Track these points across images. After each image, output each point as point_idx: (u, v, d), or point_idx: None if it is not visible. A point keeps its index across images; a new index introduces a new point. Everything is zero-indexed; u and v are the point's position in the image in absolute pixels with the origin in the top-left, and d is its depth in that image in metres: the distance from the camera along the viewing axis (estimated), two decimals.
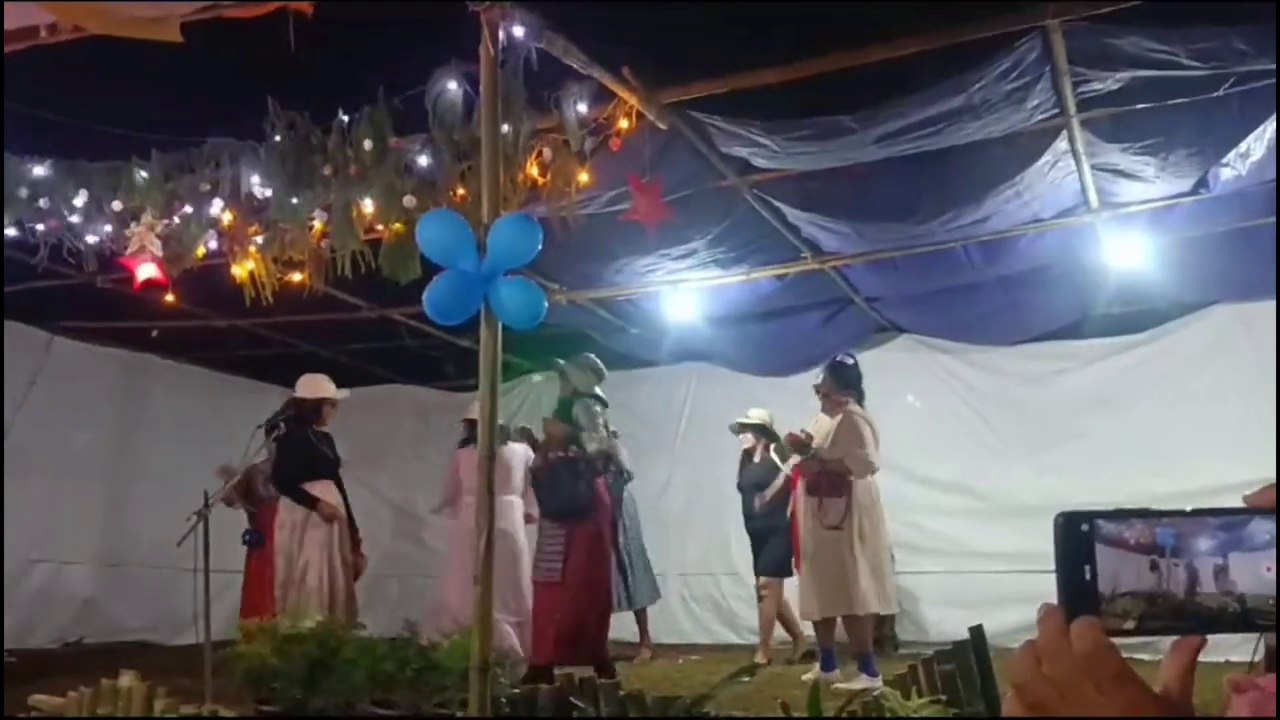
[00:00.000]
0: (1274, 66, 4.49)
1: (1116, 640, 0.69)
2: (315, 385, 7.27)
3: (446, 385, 10.19)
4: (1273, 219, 6.04)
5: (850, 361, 6.96)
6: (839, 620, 6.64)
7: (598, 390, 6.86)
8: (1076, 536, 0.72)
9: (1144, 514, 0.72)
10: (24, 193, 5.48)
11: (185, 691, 5.11)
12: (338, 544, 6.92)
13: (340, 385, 10.34)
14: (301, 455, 6.96)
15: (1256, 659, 0.80)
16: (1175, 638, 0.71)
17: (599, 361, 7.00)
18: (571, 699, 4.28)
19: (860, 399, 6.80)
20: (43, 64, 4.17)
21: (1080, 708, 0.66)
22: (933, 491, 8.55)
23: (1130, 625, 0.70)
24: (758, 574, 7.99)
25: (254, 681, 4.92)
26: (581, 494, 6.49)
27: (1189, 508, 0.73)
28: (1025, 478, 8.19)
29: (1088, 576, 0.71)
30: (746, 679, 6.36)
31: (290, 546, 6.82)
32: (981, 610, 6.73)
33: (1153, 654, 0.73)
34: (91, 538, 9.09)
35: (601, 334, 8.96)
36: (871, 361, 8.94)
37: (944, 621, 7.87)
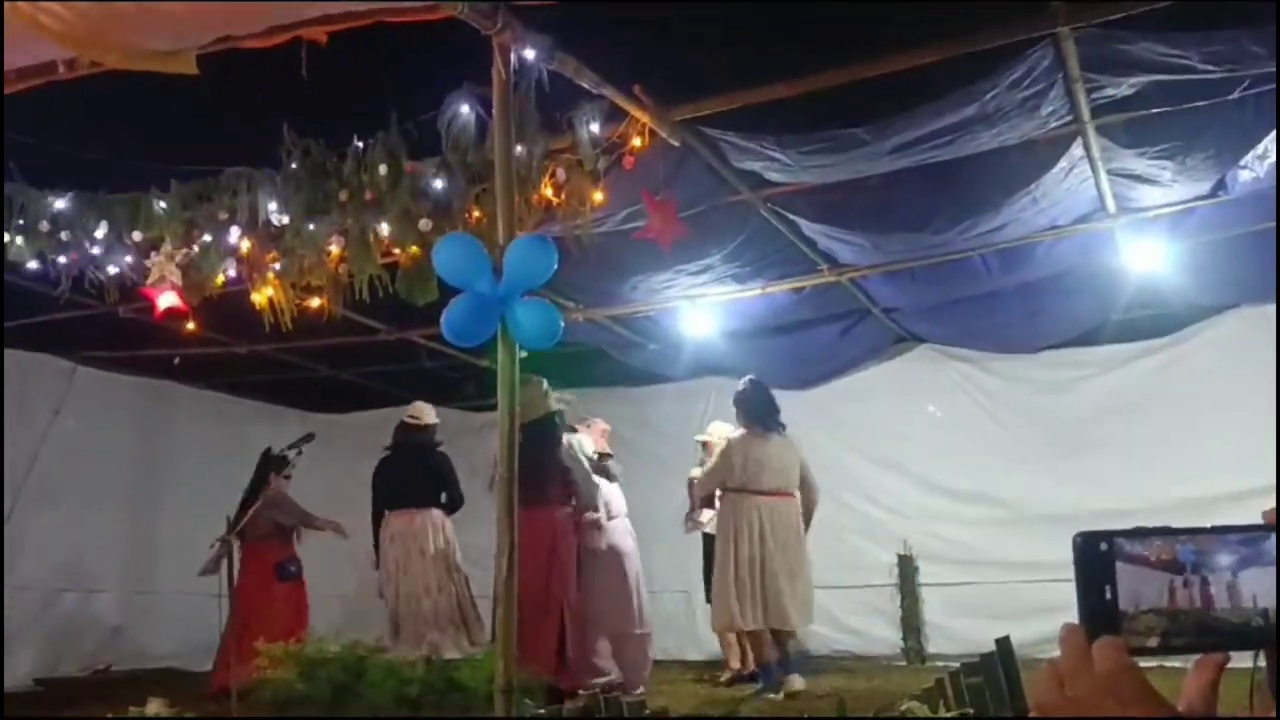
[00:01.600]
0: None
1: (1139, 659, 0.69)
2: (431, 411, 7.83)
3: (465, 406, 10.21)
4: None
5: (740, 387, 7.29)
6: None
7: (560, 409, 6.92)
8: (1096, 556, 0.72)
9: (1163, 532, 0.72)
10: (46, 226, 5.54)
11: (212, 717, 5.14)
12: None
13: (359, 408, 10.48)
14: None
15: (1259, 663, 0.79)
16: (1198, 655, 0.71)
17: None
18: (596, 718, 4.27)
19: (754, 422, 7.05)
20: (61, 99, 4.22)
21: None
22: (954, 502, 8.51)
23: (1153, 643, 0.70)
24: None
25: (280, 706, 4.93)
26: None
27: (1209, 524, 0.73)
28: (1047, 486, 8.13)
29: (1108, 596, 0.71)
30: (773, 695, 6.37)
31: (439, 557, 7.30)
32: (1007, 621, 6.67)
33: (1183, 660, 0.72)
34: (117, 565, 9.14)
35: (619, 350, 8.97)
36: (891, 372, 8.96)
37: (970, 633, 7.80)
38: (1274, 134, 5.34)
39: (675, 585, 9.44)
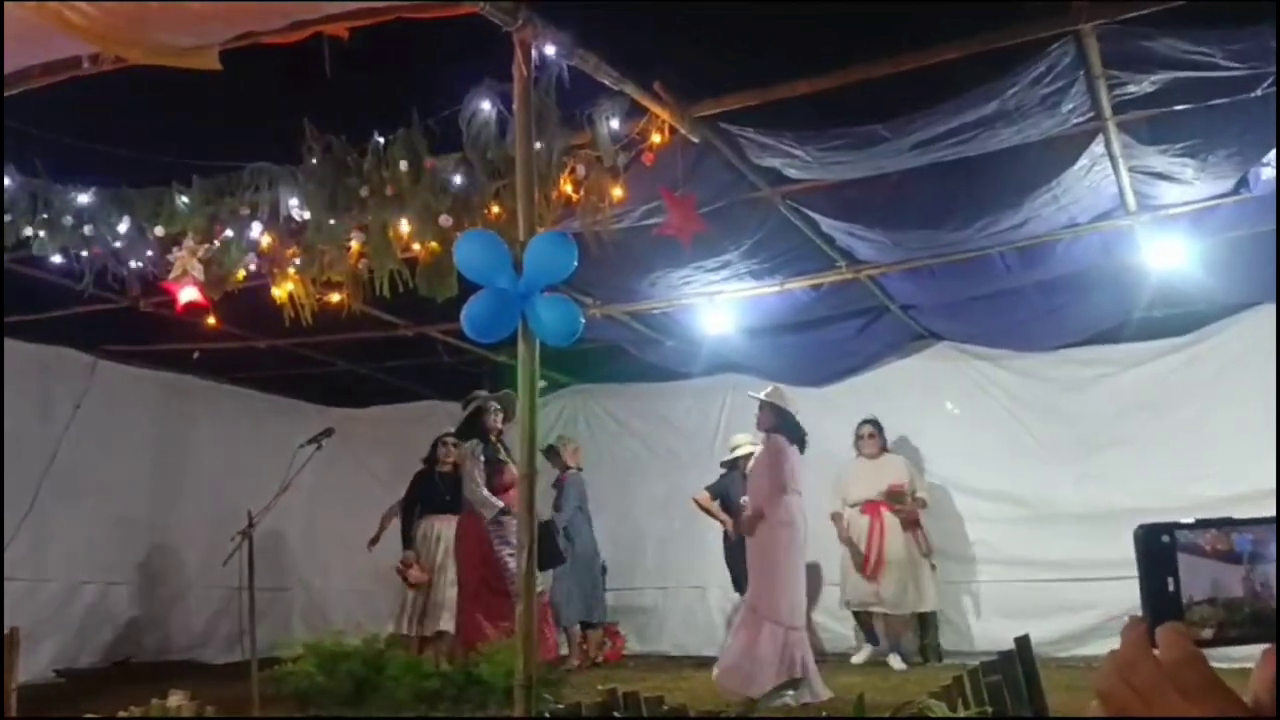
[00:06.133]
0: None
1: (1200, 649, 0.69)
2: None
3: None
4: None
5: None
6: None
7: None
8: (1158, 548, 0.72)
9: (1223, 523, 0.72)
10: (69, 220, 5.58)
11: (233, 709, 5.17)
12: None
13: (378, 403, 10.53)
14: None
15: None
16: (1264, 647, 0.70)
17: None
18: (614, 714, 4.28)
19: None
20: (86, 94, 4.26)
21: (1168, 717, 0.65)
22: (974, 499, 8.48)
23: (1208, 634, 0.70)
24: None
25: (301, 698, 4.97)
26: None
27: (1268, 514, 0.73)
28: (1068, 484, 8.10)
29: (1171, 588, 0.71)
30: (790, 693, 6.36)
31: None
32: (1027, 619, 6.66)
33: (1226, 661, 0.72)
34: (138, 557, 9.21)
35: (637, 347, 8.98)
36: (909, 369, 8.93)
37: (989, 631, 7.79)
38: None
39: (690, 580, 9.46)
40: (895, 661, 7.89)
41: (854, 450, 8.42)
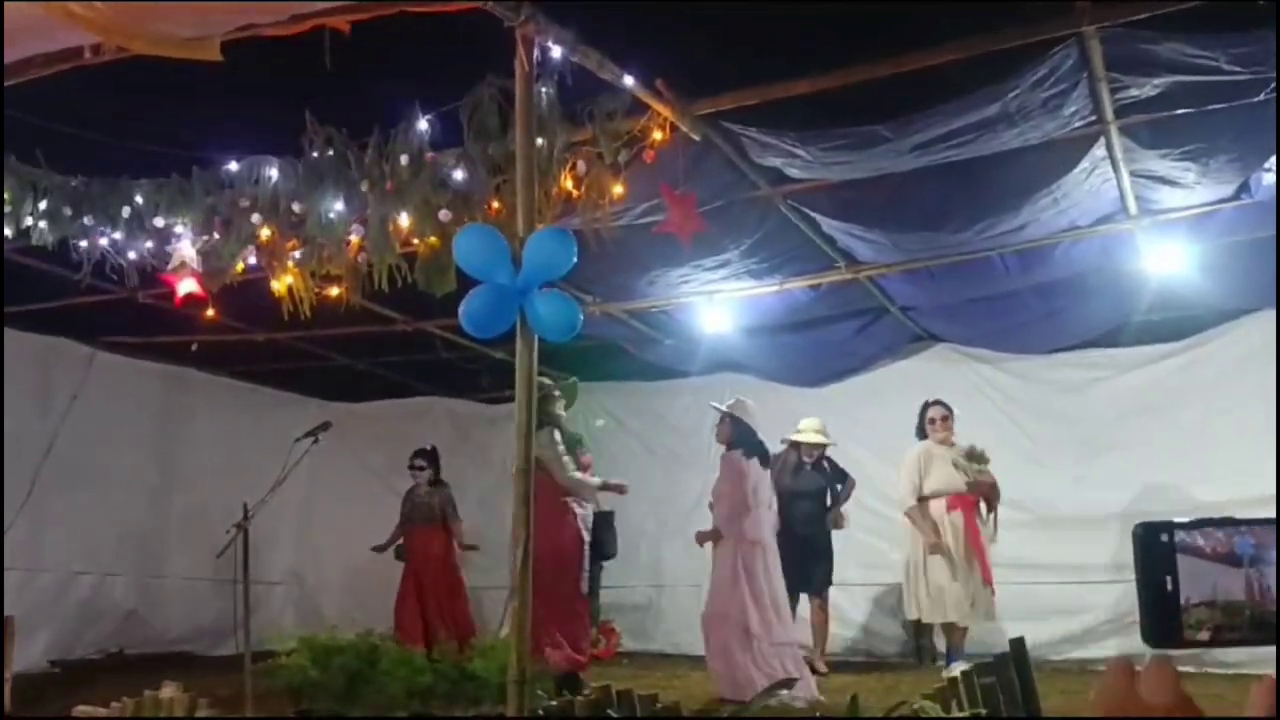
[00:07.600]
0: None
1: (1195, 650, 0.68)
2: None
3: (481, 397, 10.23)
4: None
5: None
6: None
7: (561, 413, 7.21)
8: (1157, 547, 0.71)
9: (1224, 523, 0.72)
10: (68, 210, 5.57)
11: (226, 702, 5.16)
12: None
13: (376, 398, 10.51)
14: None
15: None
16: (1262, 675, 0.70)
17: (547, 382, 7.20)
18: (609, 711, 4.27)
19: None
20: (87, 84, 4.24)
21: None
22: None
23: (1204, 636, 0.69)
24: (819, 586, 8.07)
25: (294, 692, 4.96)
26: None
27: (1267, 516, 0.72)
28: (1065, 487, 8.10)
29: (1169, 587, 0.70)
30: (784, 692, 6.37)
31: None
32: (1021, 622, 6.65)
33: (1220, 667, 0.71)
34: (133, 549, 9.19)
35: (636, 345, 8.97)
36: (908, 371, 8.93)
37: (983, 634, 7.77)
38: None
39: (686, 579, 9.44)
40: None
41: (920, 435, 7.74)
